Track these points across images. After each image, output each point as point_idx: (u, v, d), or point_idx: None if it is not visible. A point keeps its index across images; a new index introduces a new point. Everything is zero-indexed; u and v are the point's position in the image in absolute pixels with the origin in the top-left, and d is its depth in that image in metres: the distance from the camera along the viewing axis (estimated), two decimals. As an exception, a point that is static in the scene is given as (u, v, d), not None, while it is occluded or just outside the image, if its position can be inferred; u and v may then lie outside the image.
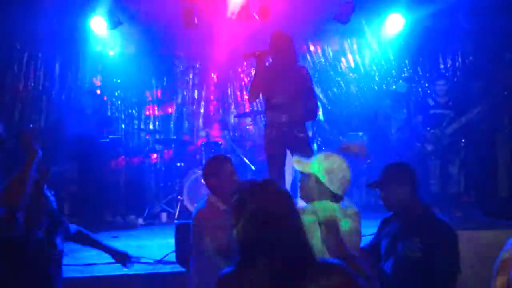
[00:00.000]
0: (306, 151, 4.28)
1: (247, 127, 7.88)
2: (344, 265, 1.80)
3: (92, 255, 4.78)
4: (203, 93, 8.50)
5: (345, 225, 2.42)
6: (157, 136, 8.12)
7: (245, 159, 6.98)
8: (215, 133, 7.61)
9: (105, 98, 7.97)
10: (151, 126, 8.32)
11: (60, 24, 6.93)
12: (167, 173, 7.58)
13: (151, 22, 7.33)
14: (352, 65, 8.28)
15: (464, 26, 7.12)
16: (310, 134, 5.27)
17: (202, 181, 6.49)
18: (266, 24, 6.72)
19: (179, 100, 8.43)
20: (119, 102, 8.12)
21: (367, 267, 2.38)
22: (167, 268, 4.21)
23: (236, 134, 7.91)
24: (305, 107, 4.59)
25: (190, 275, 3.13)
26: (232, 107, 8.52)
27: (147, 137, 8.18)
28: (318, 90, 7.72)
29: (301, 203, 2.62)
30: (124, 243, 5.43)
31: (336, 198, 2.54)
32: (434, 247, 2.55)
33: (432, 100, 6.15)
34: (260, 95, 4.81)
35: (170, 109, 8.42)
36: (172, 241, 4.38)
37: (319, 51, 8.31)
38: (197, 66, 8.49)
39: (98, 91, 7.84)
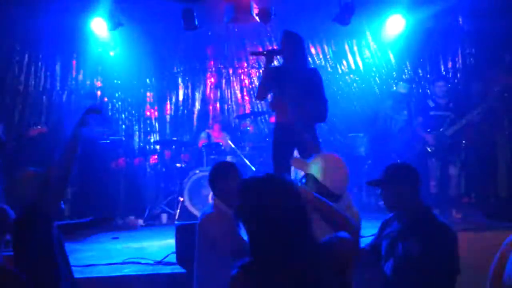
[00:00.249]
0: (315, 153, 4.27)
1: (247, 128, 7.89)
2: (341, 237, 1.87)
3: (92, 256, 4.79)
4: (204, 94, 8.50)
5: None
6: (157, 137, 8.12)
7: (245, 160, 6.99)
8: (216, 134, 7.62)
9: (106, 99, 7.98)
10: (151, 127, 8.32)
11: (60, 25, 6.94)
12: (168, 174, 7.57)
13: (151, 23, 7.34)
14: (353, 66, 8.29)
15: (464, 27, 7.13)
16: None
17: (203, 182, 6.59)
18: (266, 26, 6.75)
19: (180, 101, 8.44)
20: (119, 103, 8.13)
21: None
22: (167, 269, 4.20)
23: (237, 135, 7.91)
24: (315, 109, 4.58)
25: (194, 279, 3.13)
26: (233, 108, 8.52)
27: (148, 138, 8.19)
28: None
29: None
30: (124, 244, 5.44)
31: (334, 197, 2.54)
32: (434, 249, 2.56)
33: (432, 102, 6.14)
34: (268, 95, 4.79)
35: (170, 110, 8.43)
36: (172, 242, 4.38)
37: (320, 52, 8.32)
38: (197, 67, 8.50)
39: (99, 92, 7.85)
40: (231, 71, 8.55)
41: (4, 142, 5.96)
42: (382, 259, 2.80)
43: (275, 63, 4.78)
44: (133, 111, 8.25)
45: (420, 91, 7.84)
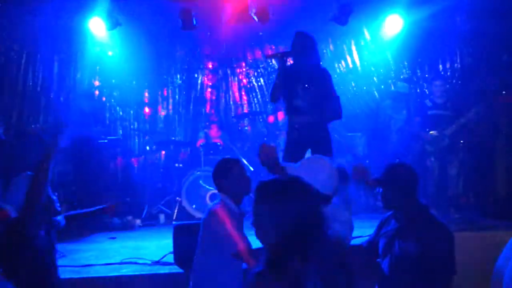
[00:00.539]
0: (327, 152, 4.27)
1: (246, 127, 7.88)
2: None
3: (89, 256, 4.79)
4: (202, 94, 8.49)
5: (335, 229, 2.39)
6: (155, 137, 8.11)
7: (243, 160, 6.98)
8: (214, 134, 7.61)
9: (104, 99, 7.97)
10: (149, 127, 8.32)
11: (58, 25, 6.92)
12: (166, 174, 7.57)
13: (150, 23, 7.32)
14: (351, 66, 8.28)
15: (462, 27, 7.13)
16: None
17: (201, 182, 6.59)
18: (265, 26, 6.74)
19: (178, 101, 8.43)
20: (117, 103, 8.12)
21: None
22: (165, 269, 4.20)
23: (235, 135, 7.91)
24: (328, 108, 4.57)
25: (191, 279, 3.13)
26: (231, 108, 8.52)
27: (146, 138, 8.18)
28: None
29: None
30: (122, 244, 5.43)
31: (325, 199, 2.53)
32: (430, 248, 2.57)
33: (430, 101, 6.13)
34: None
35: (168, 110, 8.42)
36: (170, 242, 4.37)
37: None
38: (195, 67, 8.49)
39: (97, 92, 7.84)
40: (229, 71, 8.55)
41: (4, 141, 5.97)
42: (379, 257, 2.81)
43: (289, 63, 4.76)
44: (131, 111, 8.23)
45: (418, 90, 7.83)
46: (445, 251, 2.60)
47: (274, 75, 8.04)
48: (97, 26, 6.90)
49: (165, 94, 8.42)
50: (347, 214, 2.63)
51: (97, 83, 7.87)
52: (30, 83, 7.28)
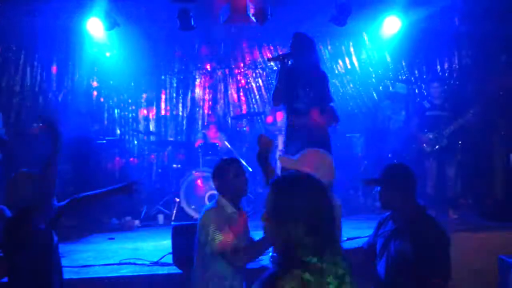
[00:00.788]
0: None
1: (244, 128, 7.88)
2: None
3: (88, 256, 4.78)
4: (200, 95, 8.49)
5: None
6: (153, 138, 8.10)
7: (242, 160, 6.97)
8: (212, 135, 7.61)
9: (102, 99, 7.96)
10: (147, 128, 8.31)
11: (56, 25, 6.91)
12: (164, 175, 7.56)
13: (148, 24, 7.31)
14: (349, 67, 8.29)
15: (460, 28, 7.14)
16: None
17: (199, 182, 6.59)
18: (263, 26, 6.73)
19: (175, 102, 8.42)
20: (114, 103, 8.11)
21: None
22: (163, 270, 4.20)
23: (234, 135, 7.90)
24: (326, 111, 4.58)
25: (194, 273, 3.14)
26: (230, 108, 8.51)
27: (144, 139, 8.18)
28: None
29: None
30: (120, 245, 5.43)
31: None
32: (425, 250, 2.56)
33: (427, 103, 6.14)
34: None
35: (166, 111, 8.41)
36: (168, 242, 4.38)
37: (316, 53, 8.30)
38: (193, 68, 8.49)
39: (95, 93, 7.83)
40: (227, 72, 8.54)
41: (6, 141, 5.97)
42: (376, 257, 2.82)
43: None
44: (129, 112, 8.23)
45: (416, 91, 7.85)
46: (439, 254, 2.58)
47: (272, 76, 8.12)
48: (95, 27, 6.88)
49: (163, 94, 8.41)
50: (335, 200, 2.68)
51: (95, 83, 7.87)
52: (28, 83, 7.28)
